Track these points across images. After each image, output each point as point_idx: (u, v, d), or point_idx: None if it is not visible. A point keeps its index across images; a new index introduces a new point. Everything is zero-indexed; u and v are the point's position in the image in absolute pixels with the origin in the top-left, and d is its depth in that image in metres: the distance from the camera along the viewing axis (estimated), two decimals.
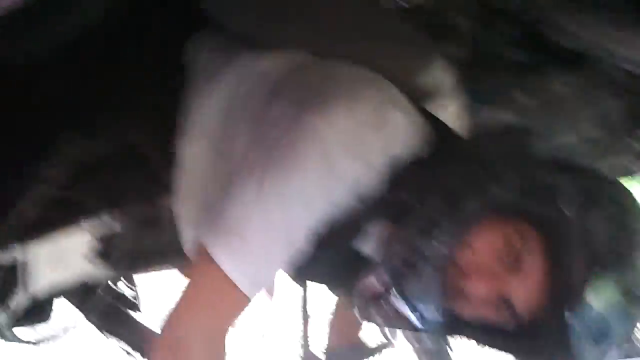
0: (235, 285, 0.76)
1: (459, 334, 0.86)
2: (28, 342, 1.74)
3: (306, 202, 0.76)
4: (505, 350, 0.84)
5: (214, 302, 0.78)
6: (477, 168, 0.79)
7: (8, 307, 1.41)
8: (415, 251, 0.76)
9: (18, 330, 1.65)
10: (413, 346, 1.89)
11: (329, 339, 1.39)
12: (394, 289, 0.78)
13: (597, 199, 0.74)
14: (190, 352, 0.77)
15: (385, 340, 1.40)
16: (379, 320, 0.82)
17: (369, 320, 0.84)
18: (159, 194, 1.13)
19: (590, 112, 1.44)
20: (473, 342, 0.86)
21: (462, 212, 0.75)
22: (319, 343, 1.36)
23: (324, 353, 1.32)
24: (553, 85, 1.39)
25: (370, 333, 1.37)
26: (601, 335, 0.72)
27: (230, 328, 0.81)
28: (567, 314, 0.69)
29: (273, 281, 0.83)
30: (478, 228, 0.77)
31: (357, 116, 0.77)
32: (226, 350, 0.81)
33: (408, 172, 0.80)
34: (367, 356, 1.40)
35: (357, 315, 0.84)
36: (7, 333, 1.53)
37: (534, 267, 0.75)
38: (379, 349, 1.41)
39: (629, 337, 0.77)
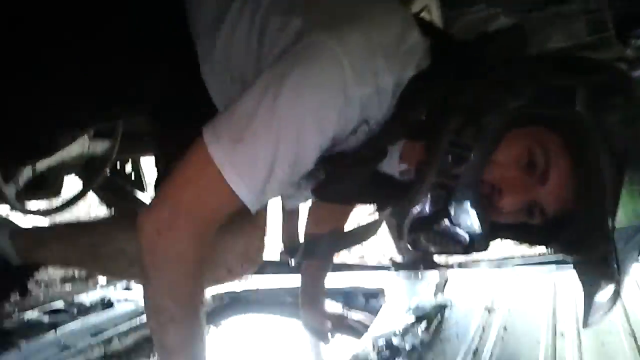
0: (227, 185, 0.80)
1: (497, 237, 0.90)
2: (36, 213, 1.86)
3: (318, 120, 0.79)
4: (540, 243, 0.89)
5: (204, 191, 0.83)
6: (490, 80, 0.80)
7: (17, 180, 1.62)
8: (449, 176, 0.78)
9: (29, 203, 1.81)
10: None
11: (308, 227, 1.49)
12: (441, 215, 0.80)
13: (609, 93, 0.74)
14: (173, 230, 0.83)
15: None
16: (431, 246, 0.85)
17: (420, 248, 0.86)
18: None
19: (583, 17, 1.42)
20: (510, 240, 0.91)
21: (487, 130, 0.77)
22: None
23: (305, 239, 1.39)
24: None
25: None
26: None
27: (214, 221, 0.86)
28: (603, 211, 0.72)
29: (273, 193, 0.85)
30: (503, 143, 0.78)
31: (372, 43, 0.79)
32: (208, 241, 0.87)
33: (417, 88, 0.82)
34: (347, 244, 1.45)
35: (409, 245, 0.86)
36: (16, 204, 1.66)
37: (560, 172, 0.77)
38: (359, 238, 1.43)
39: None
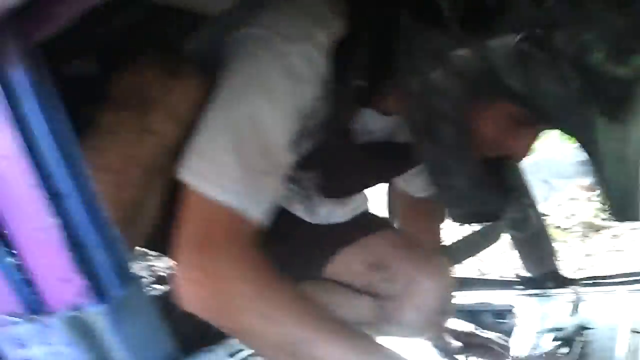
0: (225, 208, 0.75)
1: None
2: None
3: (266, 96, 0.77)
4: None
5: (206, 228, 0.75)
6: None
7: None
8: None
9: None
10: None
11: None
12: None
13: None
14: (215, 295, 0.74)
15: None
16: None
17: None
18: None
19: None
20: None
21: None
22: None
23: None
24: None
25: None
26: None
27: (241, 246, 0.76)
28: None
29: (265, 194, 0.79)
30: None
31: (291, 10, 0.82)
32: (257, 266, 0.77)
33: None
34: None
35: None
36: None
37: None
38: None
39: None
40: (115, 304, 0.46)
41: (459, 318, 1.63)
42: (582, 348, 1.24)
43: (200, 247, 0.75)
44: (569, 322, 1.36)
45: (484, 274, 2.40)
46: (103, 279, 0.46)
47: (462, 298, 1.75)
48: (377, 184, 1.27)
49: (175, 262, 0.77)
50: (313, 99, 0.84)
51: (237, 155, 0.77)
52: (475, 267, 2.46)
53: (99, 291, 0.46)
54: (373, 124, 1.01)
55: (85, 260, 0.45)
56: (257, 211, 0.78)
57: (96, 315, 0.45)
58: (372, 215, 1.29)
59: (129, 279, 0.48)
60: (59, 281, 0.46)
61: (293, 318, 0.75)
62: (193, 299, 0.77)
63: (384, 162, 1.08)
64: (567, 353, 1.22)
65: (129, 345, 0.46)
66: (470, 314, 1.69)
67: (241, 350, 1.50)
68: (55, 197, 0.45)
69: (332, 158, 0.95)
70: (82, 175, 0.47)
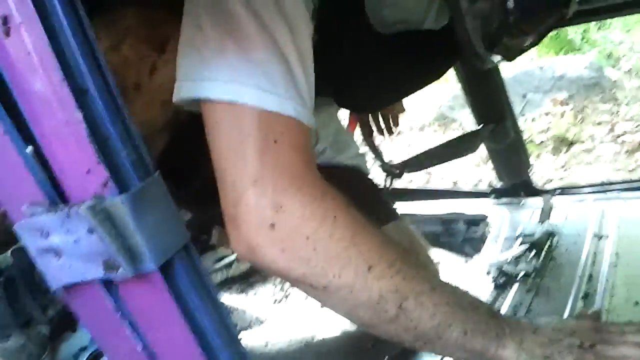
0: (249, 109, 0.60)
1: None
2: None
3: None
4: None
5: (253, 147, 0.60)
6: None
7: None
8: None
9: None
10: None
11: None
12: None
13: None
14: (276, 224, 0.59)
15: None
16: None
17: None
18: None
19: None
20: None
21: None
22: None
23: None
24: None
25: None
26: None
27: (312, 169, 0.63)
28: None
29: (305, 92, 0.64)
30: None
31: None
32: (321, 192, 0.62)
33: None
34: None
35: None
36: None
37: None
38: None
39: None
40: (134, 194, 0.49)
41: (433, 226, 1.72)
42: (548, 252, 1.33)
43: (263, 179, 0.60)
44: (537, 229, 1.45)
45: (458, 187, 2.49)
46: (123, 170, 0.49)
47: (437, 208, 1.83)
48: (407, 92, 1.18)
49: (227, 204, 0.63)
50: None
51: (269, 50, 0.61)
52: (449, 180, 2.55)
53: (119, 182, 0.49)
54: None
55: (107, 153, 0.48)
56: (307, 116, 0.64)
57: (117, 204, 0.48)
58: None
59: (147, 172, 0.51)
60: (82, 173, 0.49)
61: (398, 268, 0.62)
62: (264, 246, 0.60)
63: (413, 61, 0.95)
64: (536, 256, 1.30)
65: (146, 232, 0.50)
66: (445, 222, 1.77)
67: (226, 256, 1.58)
68: (79, 93, 0.47)
69: (350, 55, 0.84)
70: (104, 72, 0.49)
